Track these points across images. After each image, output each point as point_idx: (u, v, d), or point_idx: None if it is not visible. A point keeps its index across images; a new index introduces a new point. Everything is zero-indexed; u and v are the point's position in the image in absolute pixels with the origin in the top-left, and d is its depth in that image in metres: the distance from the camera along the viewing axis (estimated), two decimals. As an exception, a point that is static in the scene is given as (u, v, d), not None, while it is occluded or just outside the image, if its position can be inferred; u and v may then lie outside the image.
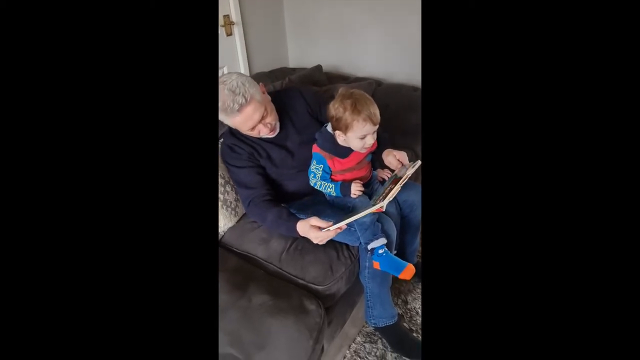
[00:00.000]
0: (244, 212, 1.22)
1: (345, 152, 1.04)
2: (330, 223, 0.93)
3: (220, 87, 0.96)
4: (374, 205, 0.88)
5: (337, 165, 1.05)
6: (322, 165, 1.05)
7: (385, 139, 1.16)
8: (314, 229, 0.95)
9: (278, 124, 1.10)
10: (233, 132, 1.12)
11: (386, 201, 0.86)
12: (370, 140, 0.97)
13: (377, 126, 0.96)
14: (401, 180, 0.91)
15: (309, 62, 1.91)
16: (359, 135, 0.96)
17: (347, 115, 0.94)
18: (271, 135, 1.10)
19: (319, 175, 1.06)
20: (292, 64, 2.13)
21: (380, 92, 1.67)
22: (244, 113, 0.97)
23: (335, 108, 0.96)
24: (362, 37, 1.85)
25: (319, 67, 1.73)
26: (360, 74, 1.87)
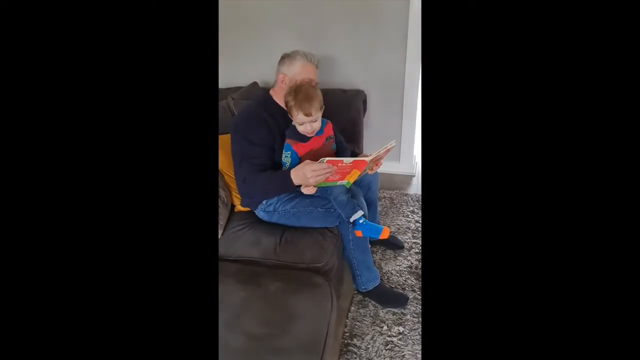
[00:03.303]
0: (225, 223, 1.29)
1: (305, 137, 1.19)
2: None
3: (293, 54, 1.24)
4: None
5: (300, 149, 1.18)
6: (289, 152, 1.17)
7: (348, 149, 1.35)
8: (309, 164, 1.06)
9: None
10: (264, 105, 1.24)
11: (370, 158, 1.09)
12: (309, 128, 1.14)
13: (312, 117, 1.11)
14: (385, 149, 1.14)
15: (236, 82, 2.04)
16: (297, 122, 1.14)
17: (290, 103, 1.12)
18: None
19: (288, 163, 1.18)
20: (221, 85, 2.22)
21: (314, 98, 1.88)
22: (310, 67, 1.23)
23: (285, 96, 1.14)
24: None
25: (254, 84, 1.87)
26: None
